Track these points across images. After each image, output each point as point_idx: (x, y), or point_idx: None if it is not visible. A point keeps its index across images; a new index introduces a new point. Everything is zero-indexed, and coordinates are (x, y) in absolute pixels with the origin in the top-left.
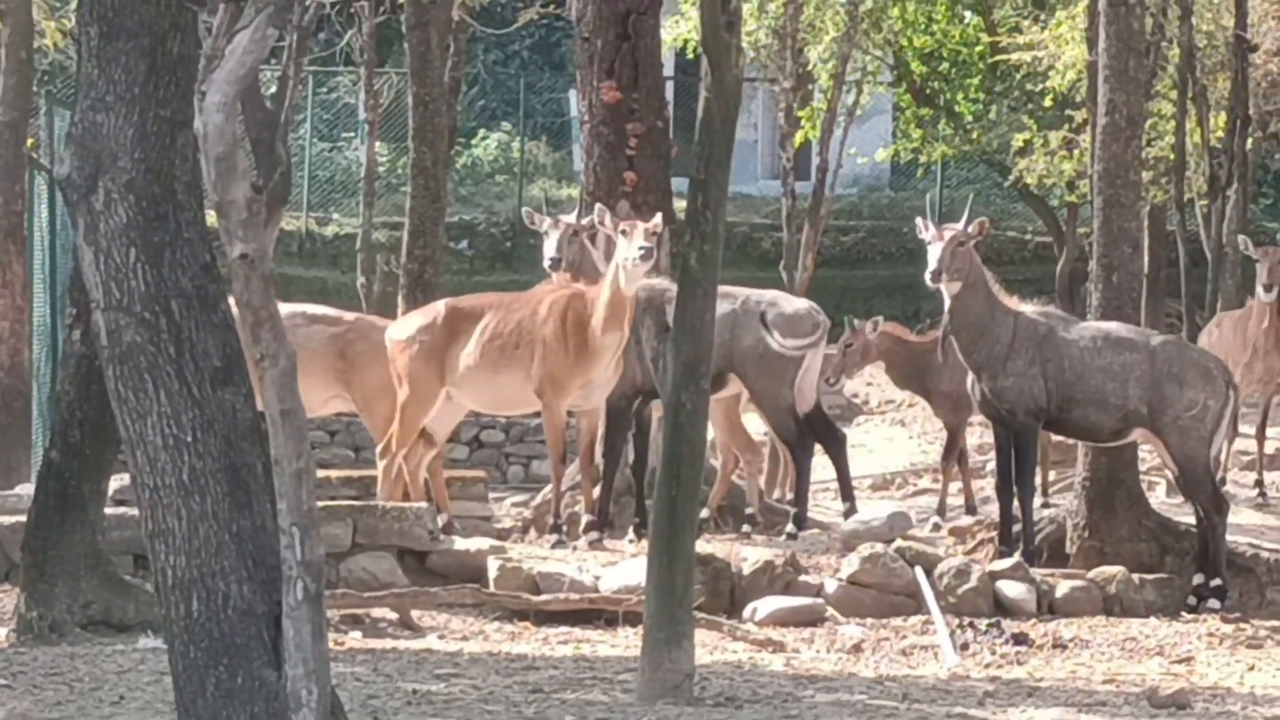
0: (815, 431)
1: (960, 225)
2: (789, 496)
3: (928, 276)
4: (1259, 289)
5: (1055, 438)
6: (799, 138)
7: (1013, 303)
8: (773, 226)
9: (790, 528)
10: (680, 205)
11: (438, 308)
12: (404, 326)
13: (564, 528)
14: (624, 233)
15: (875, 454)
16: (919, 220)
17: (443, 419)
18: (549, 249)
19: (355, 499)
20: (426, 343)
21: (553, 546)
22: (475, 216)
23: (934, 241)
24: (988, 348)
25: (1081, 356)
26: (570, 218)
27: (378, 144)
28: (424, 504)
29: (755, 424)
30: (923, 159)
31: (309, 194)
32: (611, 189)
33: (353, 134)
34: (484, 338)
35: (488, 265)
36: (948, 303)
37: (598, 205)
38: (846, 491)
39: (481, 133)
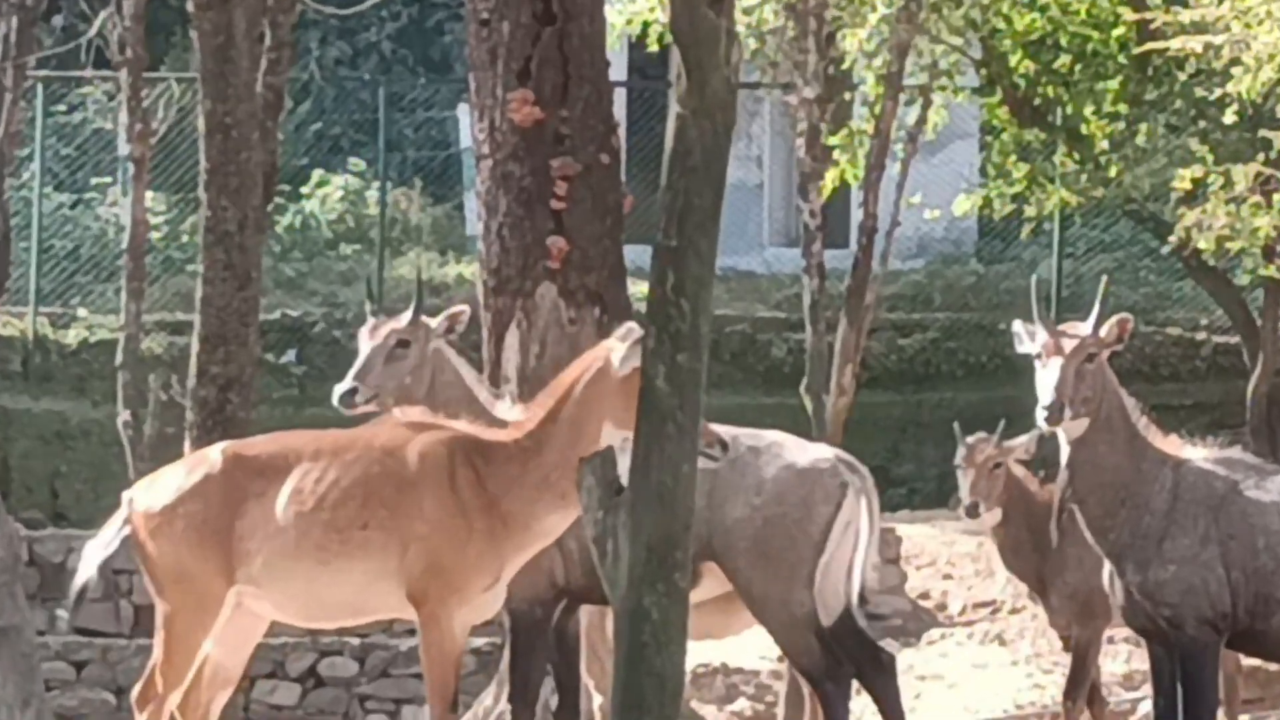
0: (845, 652)
1: (1088, 326)
2: None
3: (1041, 416)
4: None
5: (1248, 661)
6: (830, 180)
7: (1172, 445)
8: (789, 323)
9: None
10: (640, 289)
11: (210, 458)
12: (158, 492)
13: None
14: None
15: (959, 690)
16: (1018, 328)
17: (233, 638)
18: (351, 373)
19: None
20: (196, 515)
21: None
22: (309, 310)
23: (1047, 357)
24: (1132, 521)
25: None
26: (404, 318)
27: (149, 195)
28: None
29: (758, 641)
30: (1030, 212)
31: (39, 276)
32: (528, 264)
33: (109, 179)
34: (300, 504)
35: (329, 389)
36: (1066, 452)
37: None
38: None
39: (318, 175)
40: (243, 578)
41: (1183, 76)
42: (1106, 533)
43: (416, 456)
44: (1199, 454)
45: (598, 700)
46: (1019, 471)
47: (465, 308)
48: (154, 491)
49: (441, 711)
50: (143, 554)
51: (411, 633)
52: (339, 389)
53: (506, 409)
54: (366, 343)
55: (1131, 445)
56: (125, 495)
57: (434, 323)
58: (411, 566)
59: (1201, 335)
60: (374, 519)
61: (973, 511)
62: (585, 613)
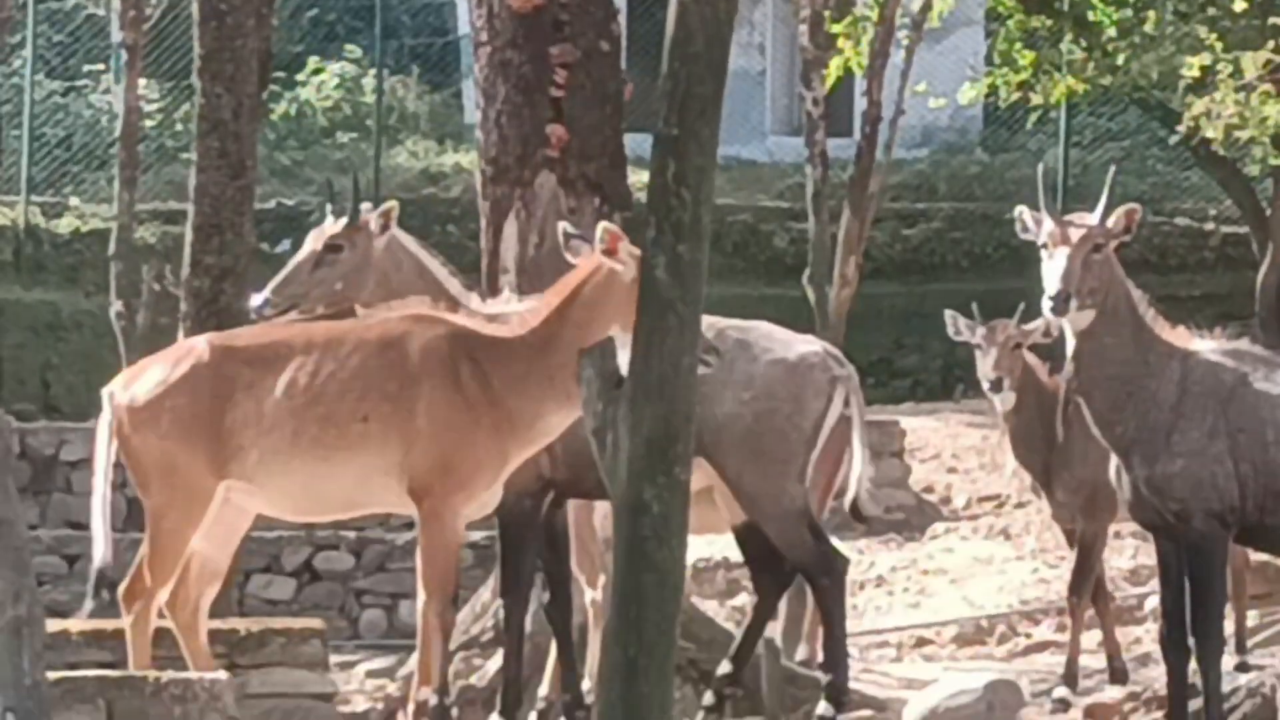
0: None
1: (1095, 216)
2: (819, 657)
3: (1047, 305)
4: None
5: (1256, 555)
6: (833, 67)
7: (1180, 337)
8: (791, 213)
9: (823, 709)
10: (641, 178)
11: (197, 349)
12: (142, 385)
13: (453, 711)
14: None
15: (962, 584)
16: (1023, 214)
17: (220, 532)
18: (270, 284)
19: (109, 666)
20: (184, 409)
21: None
22: (305, 199)
23: (1054, 247)
24: (1139, 414)
25: None
26: (329, 224)
27: (142, 83)
28: (221, 673)
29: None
30: (1036, 101)
31: (31, 165)
32: (526, 153)
33: (101, 66)
34: (296, 398)
35: None
36: (1072, 344)
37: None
38: (829, 656)
39: (313, 63)
40: (235, 473)
41: None
42: (1113, 426)
43: (418, 350)
44: (1207, 346)
45: (590, 595)
46: (1032, 360)
47: (394, 204)
48: (138, 385)
49: (441, 606)
50: (127, 449)
51: (408, 527)
52: (253, 301)
53: (504, 300)
54: (306, 248)
55: (1138, 337)
56: (105, 391)
57: (373, 221)
58: (417, 463)
59: (1210, 225)
60: (375, 412)
61: (997, 386)
62: (572, 507)
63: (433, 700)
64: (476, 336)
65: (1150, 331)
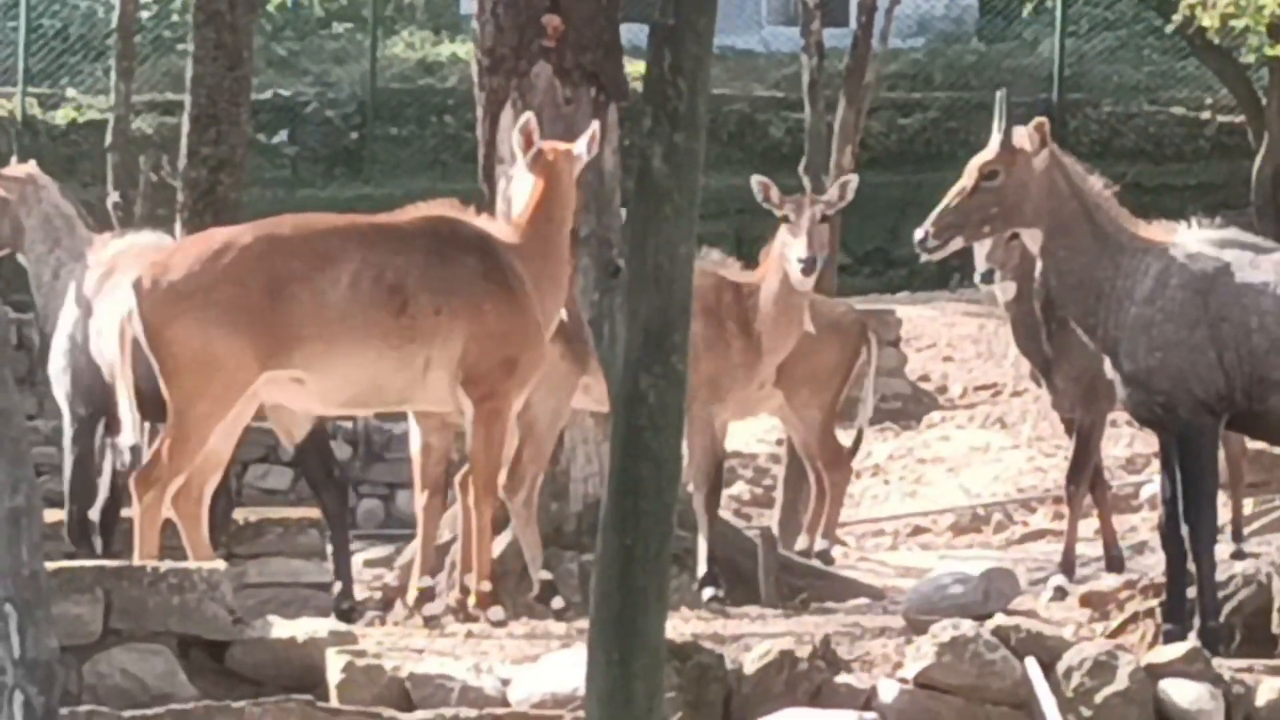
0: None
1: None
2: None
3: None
4: None
5: (1252, 444)
6: None
7: (1157, 232)
8: (787, 103)
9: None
10: (637, 68)
11: (237, 240)
12: (183, 273)
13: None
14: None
15: (959, 474)
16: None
17: (230, 423)
18: None
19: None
20: (234, 299)
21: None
22: (301, 91)
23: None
24: (1115, 313)
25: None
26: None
27: None
28: (219, 563)
29: (757, 425)
30: None
31: (28, 56)
32: (523, 43)
33: None
34: (367, 290)
35: (322, 170)
36: (1039, 258)
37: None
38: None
39: None
40: (295, 363)
41: None
42: (1093, 329)
43: (475, 251)
44: (1191, 237)
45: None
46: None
47: (31, 162)
48: (174, 274)
49: (490, 504)
50: (160, 338)
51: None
52: None
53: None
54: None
55: (1101, 242)
56: (132, 280)
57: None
58: (479, 360)
59: (1206, 114)
60: (447, 305)
61: (987, 278)
62: None
63: (487, 586)
64: (499, 241)
65: (1118, 233)
